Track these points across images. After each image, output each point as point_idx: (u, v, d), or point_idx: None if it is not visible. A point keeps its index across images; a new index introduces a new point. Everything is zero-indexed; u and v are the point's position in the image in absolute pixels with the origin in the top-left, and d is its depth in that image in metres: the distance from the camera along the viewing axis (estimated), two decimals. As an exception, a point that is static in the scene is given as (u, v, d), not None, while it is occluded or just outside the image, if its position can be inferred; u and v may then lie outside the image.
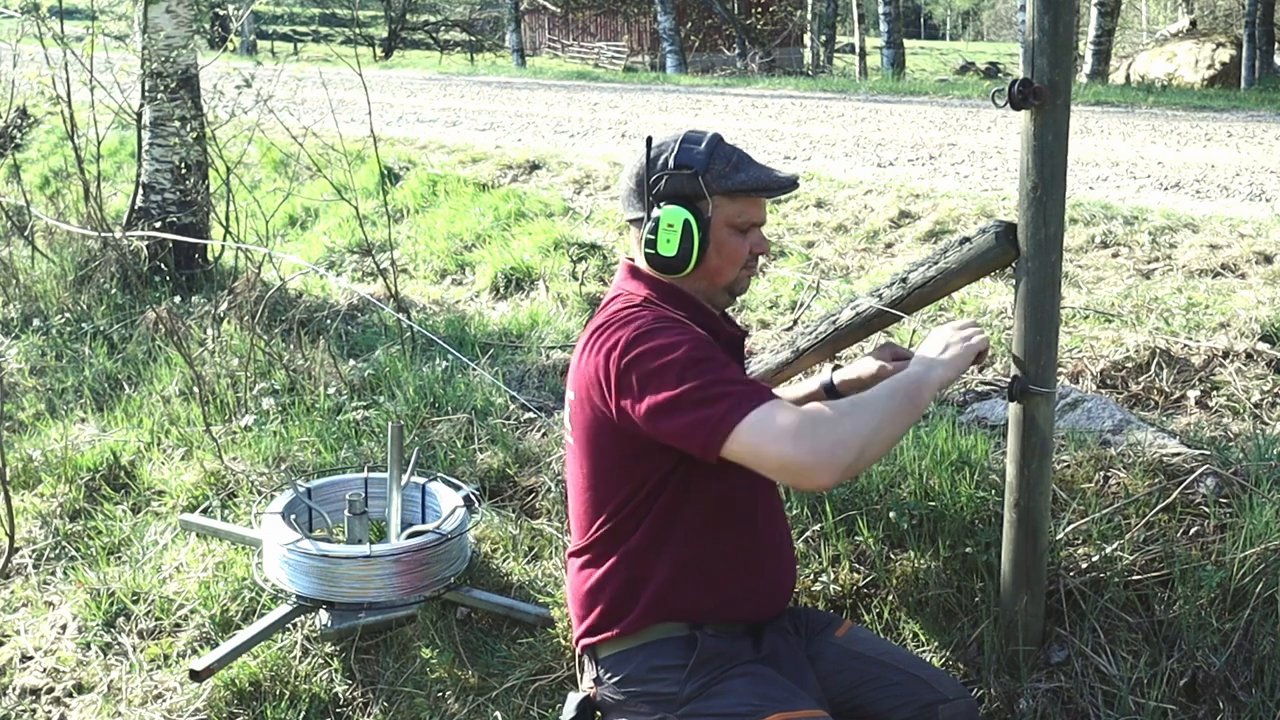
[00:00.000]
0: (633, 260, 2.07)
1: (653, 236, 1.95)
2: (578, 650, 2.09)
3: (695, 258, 1.95)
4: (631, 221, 2.04)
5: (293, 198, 6.70)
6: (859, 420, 1.77)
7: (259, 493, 3.45)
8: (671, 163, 1.96)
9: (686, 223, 1.93)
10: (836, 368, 2.33)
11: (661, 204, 1.96)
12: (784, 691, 1.91)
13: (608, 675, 1.98)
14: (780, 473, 1.77)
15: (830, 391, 2.29)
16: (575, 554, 2.06)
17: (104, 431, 4.09)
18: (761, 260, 2.14)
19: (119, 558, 3.34)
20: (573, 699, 2.01)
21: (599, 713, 2.02)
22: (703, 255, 1.96)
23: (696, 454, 1.81)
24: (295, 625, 2.91)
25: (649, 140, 2.00)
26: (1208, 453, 2.72)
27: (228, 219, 5.40)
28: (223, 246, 5.78)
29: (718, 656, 1.93)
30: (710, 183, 1.95)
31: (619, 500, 1.96)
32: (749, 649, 1.98)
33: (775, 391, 2.28)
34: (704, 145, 1.97)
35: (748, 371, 2.51)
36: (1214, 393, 3.16)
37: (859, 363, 2.28)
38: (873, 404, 1.81)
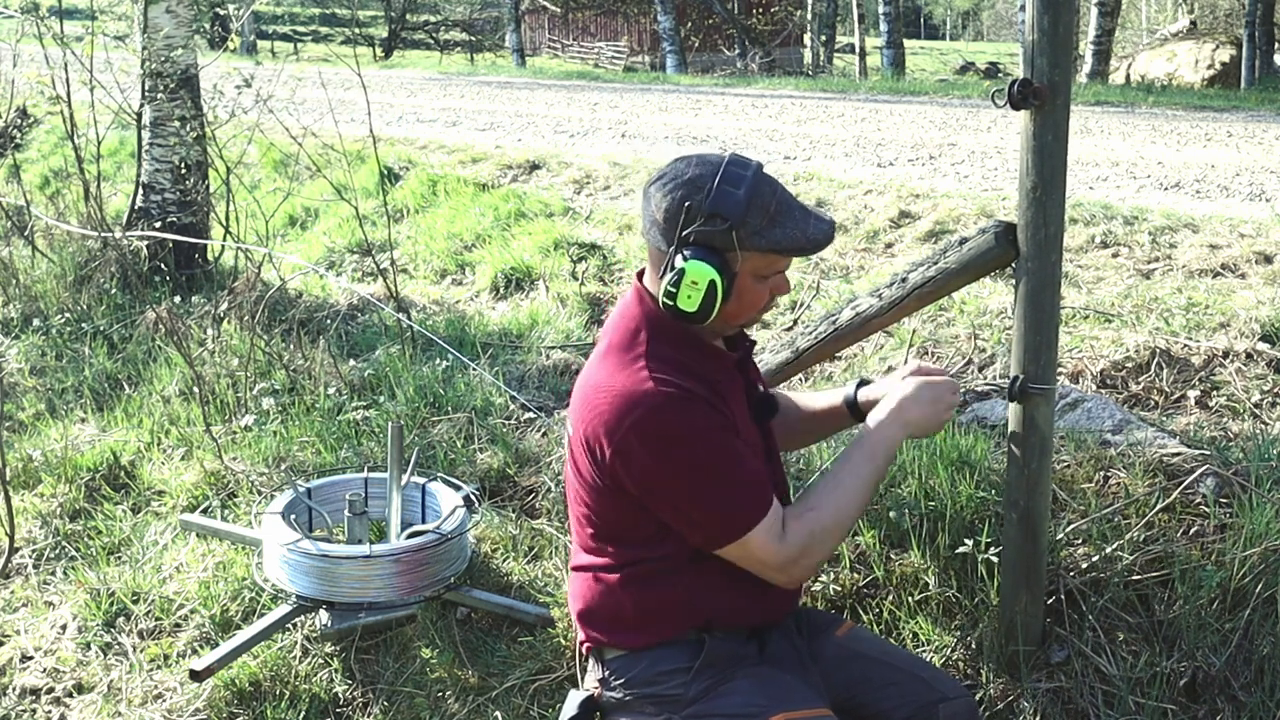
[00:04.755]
0: (642, 280, 1.97)
1: (674, 289, 1.83)
2: (582, 650, 2.09)
3: (715, 313, 1.86)
4: (654, 247, 1.92)
5: (293, 198, 6.70)
6: (840, 528, 1.93)
7: (259, 493, 3.45)
8: (706, 207, 1.82)
9: (712, 283, 1.82)
10: (862, 383, 2.23)
11: (688, 254, 1.83)
12: (788, 691, 1.91)
13: (613, 676, 1.98)
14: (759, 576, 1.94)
15: (852, 408, 2.21)
16: (583, 568, 2.03)
17: (104, 431, 4.09)
18: None
19: (119, 558, 3.34)
20: (574, 697, 2.01)
21: (600, 712, 2.02)
22: (723, 307, 1.86)
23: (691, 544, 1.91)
24: (295, 625, 2.91)
25: (682, 172, 1.86)
26: (1208, 453, 2.72)
27: (228, 219, 5.40)
28: (223, 246, 5.78)
29: (724, 659, 1.94)
30: (744, 238, 1.83)
31: (627, 535, 1.95)
32: (754, 651, 1.98)
33: (794, 400, 2.27)
34: (744, 189, 1.82)
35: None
36: (1214, 393, 3.16)
37: (886, 381, 2.18)
38: (858, 497, 1.93)
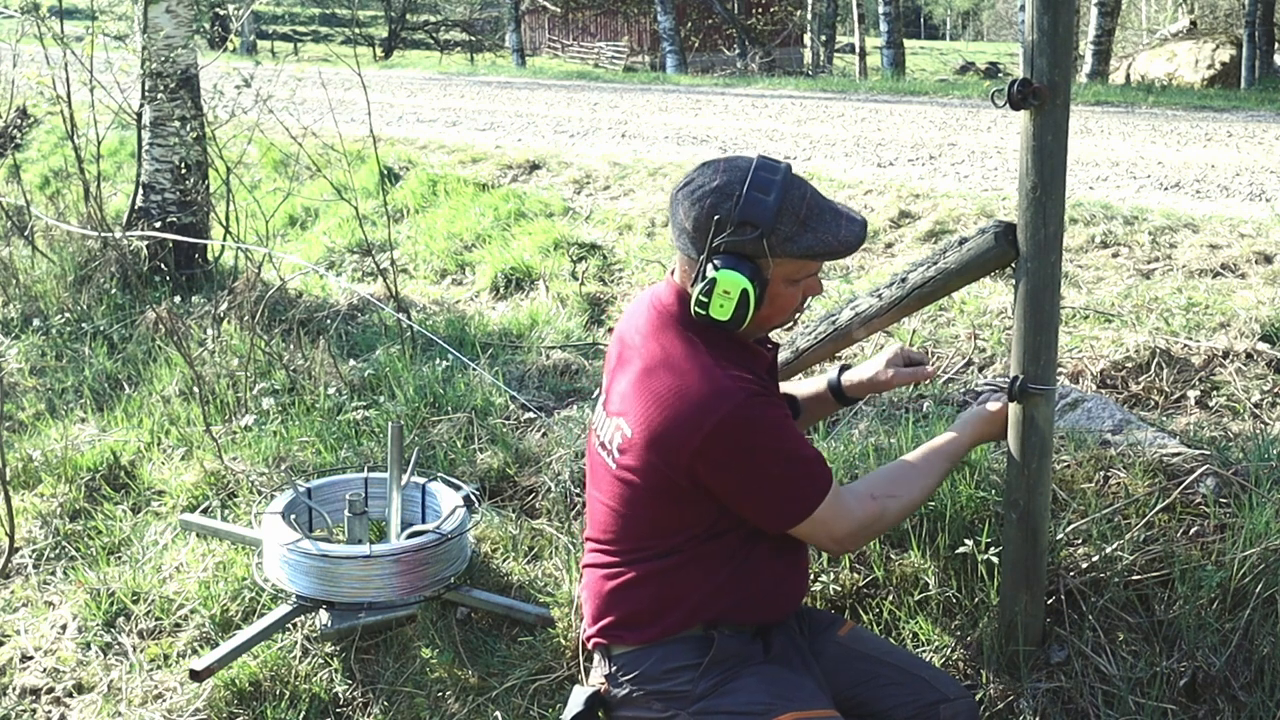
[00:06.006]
0: (676, 282, 1.97)
1: (706, 299, 1.84)
2: (588, 646, 2.09)
3: (748, 320, 1.87)
4: (684, 254, 1.92)
5: (293, 198, 6.70)
6: (907, 513, 2.06)
7: (259, 493, 3.45)
8: (736, 216, 1.81)
9: (744, 292, 1.82)
10: (845, 367, 2.30)
11: (719, 264, 1.83)
12: (795, 690, 1.92)
13: (621, 672, 1.98)
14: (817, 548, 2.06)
15: (835, 392, 2.28)
16: (598, 565, 2.04)
17: (104, 431, 4.09)
18: None
19: (119, 558, 3.34)
20: (580, 693, 2.01)
21: (605, 708, 2.02)
22: (756, 313, 1.87)
23: (759, 527, 1.95)
24: (295, 625, 2.92)
25: (710, 178, 1.85)
26: (1208, 453, 2.72)
27: (228, 219, 5.40)
28: (223, 246, 5.78)
29: (731, 656, 1.95)
30: (775, 245, 1.83)
31: (663, 534, 1.95)
32: (760, 650, 1.99)
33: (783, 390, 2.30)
34: (774, 194, 1.81)
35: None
36: (1214, 393, 3.16)
37: (868, 364, 2.25)
38: (925, 484, 2.06)
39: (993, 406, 2.19)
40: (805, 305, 1.99)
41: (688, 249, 1.89)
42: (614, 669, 1.99)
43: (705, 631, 1.95)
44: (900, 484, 2.03)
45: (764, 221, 1.81)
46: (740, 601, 1.97)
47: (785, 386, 2.34)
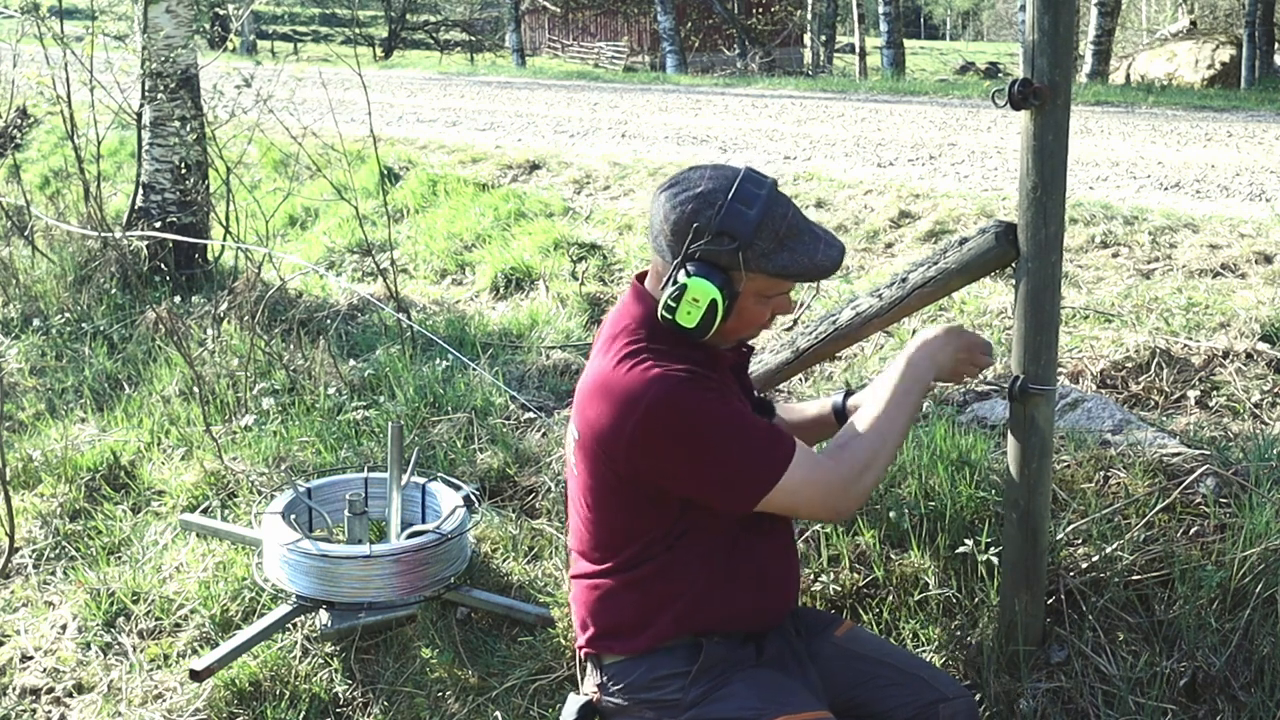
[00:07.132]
0: (643, 283, 1.96)
1: (674, 304, 1.81)
2: (580, 654, 2.09)
3: (714, 330, 1.84)
4: (658, 255, 1.90)
5: (293, 198, 6.70)
6: (883, 453, 1.89)
7: (259, 493, 3.45)
8: (715, 224, 1.79)
9: (713, 302, 1.80)
10: (849, 393, 2.27)
11: (692, 270, 1.81)
12: (786, 694, 1.91)
13: (612, 682, 1.98)
14: (812, 520, 1.80)
15: (840, 416, 2.22)
16: (582, 575, 2.03)
17: (104, 431, 4.09)
18: None
19: (119, 558, 3.34)
20: (573, 702, 2.01)
21: (599, 717, 2.02)
22: (722, 324, 1.84)
23: (725, 510, 1.88)
24: (295, 625, 2.91)
25: (695, 183, 1.83)
26: (1208, 453, 2.72)
27: (228, 219, 5.40)
28: (223, 246, 5.78)
29: (722, 663, 1.93)
30: (750, 260, 1.80)
31: (630, 538, 1.93)
32: (752, 654, 1.98)
33: (781, 410, 2.27)
34: (756, 209, 1.80)
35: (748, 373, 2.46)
36: (1214, 393, 3.16)
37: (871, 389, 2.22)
38: (894, 426, 1.90)
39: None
40: (773, 323, 1.95)
41: (663, 250, 1.87)
42: (604, 679, 1.99)
43: (694, 640, 1.94)
44: (856, 424, 1.93)
45: (742, 234, 1.79)
46: (726, 609, 1.94)
47: (790, 410, 2.31)
